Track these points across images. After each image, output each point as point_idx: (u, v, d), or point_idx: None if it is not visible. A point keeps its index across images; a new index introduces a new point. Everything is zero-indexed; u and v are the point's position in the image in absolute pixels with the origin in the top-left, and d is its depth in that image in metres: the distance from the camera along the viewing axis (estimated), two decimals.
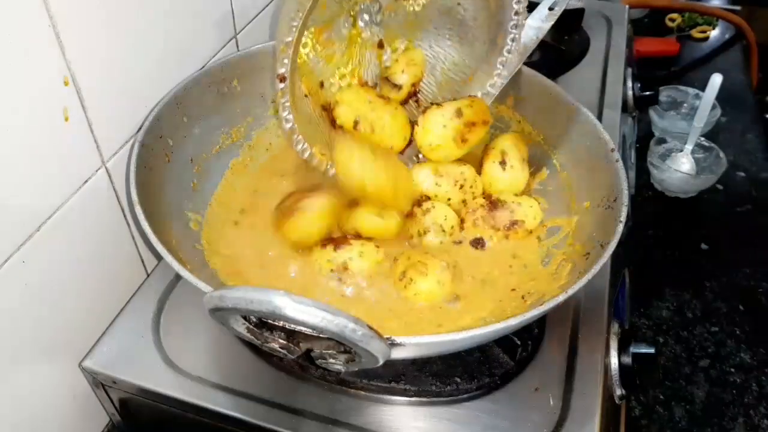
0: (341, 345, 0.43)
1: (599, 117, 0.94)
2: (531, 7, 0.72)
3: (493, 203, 0.69)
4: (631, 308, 0.81)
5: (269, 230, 0.68)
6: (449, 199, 0.70)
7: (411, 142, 0.72)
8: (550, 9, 0.73)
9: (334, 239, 0.65)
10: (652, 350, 0.63)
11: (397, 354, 0.47)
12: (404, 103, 0.75)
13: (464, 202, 0.71)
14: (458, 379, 0.60)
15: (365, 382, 0.59)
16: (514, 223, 0.68)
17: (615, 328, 0.65)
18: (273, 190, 0.73)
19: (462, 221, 0.69)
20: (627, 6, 1.26)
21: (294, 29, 0.57)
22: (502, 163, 0.71)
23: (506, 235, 0.68)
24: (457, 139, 0.68)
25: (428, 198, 0.70)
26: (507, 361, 0.61)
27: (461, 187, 0.70)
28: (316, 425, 0.57)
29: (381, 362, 0.44)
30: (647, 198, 1.12)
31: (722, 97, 1.08)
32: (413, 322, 0.60)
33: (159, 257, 0.73)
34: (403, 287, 0.62)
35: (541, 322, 0.65)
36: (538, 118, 0.76)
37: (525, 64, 0.76)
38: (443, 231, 0.68)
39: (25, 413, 0.58)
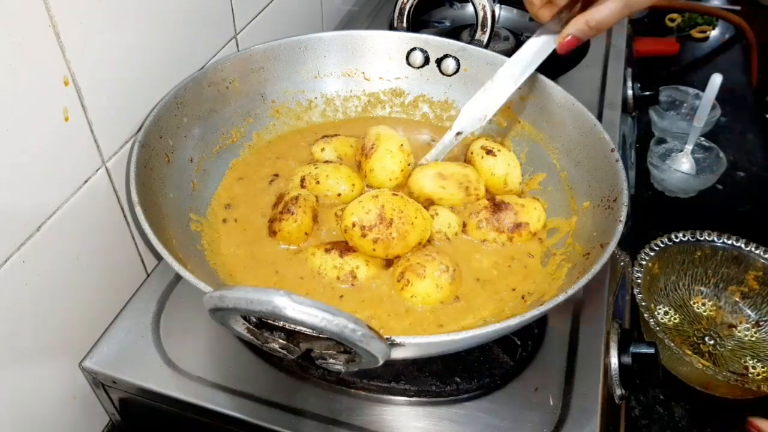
0: (341, 345, 0.43)
1: (599, 117, 0.94)
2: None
3: (497, 205, 0.69)
4: (631, 308, 0.81)
5: (267, 231, 0.68)
6: (451, 207, 0.70)
7: None
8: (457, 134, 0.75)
9: (337, 244, 0.65)
10: (652, 350, 0.63)
11: (397, 354, 0.47)
12: None
13: (465, 205, 0.71)
14: (458, 379, 0.60)
15: (365, 382, 0.59)
16: (518, 225, 0.68)
17: (615, 328, 0.65)
18: (271, 190, 0.73)
19: (464, 225, 0.69)
20: None
21: None
22: (489, 152, 0.73)
23: (510, 237, 0.68)
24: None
25: (432, 202, 0.70)
26: (507, 361, 0.61)
27: (466, 188, 0.70)
28: (316, 425, 0.57)
29: (381, 362, 0.43)
30: (647, 198, 1.11)
31: (722, 97, 1.08)
32: (415, 322, 0.60)
33: (159, 257, 0.73)
34: (401, 289, 0.62)
35: (541, 322, 0.65)
36: (538, 119, 0.76)
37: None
38: (447, 238, 0.68)
39: (25, 413, 0.58)
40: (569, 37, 0.65)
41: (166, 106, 0.65)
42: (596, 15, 0.61)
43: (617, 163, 0.63)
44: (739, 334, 0.85)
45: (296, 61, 0.80)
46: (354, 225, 0.63)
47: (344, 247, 0.64)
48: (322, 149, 0.77)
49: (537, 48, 0.71)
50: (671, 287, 0.90)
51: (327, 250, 0.64)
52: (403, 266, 0.62)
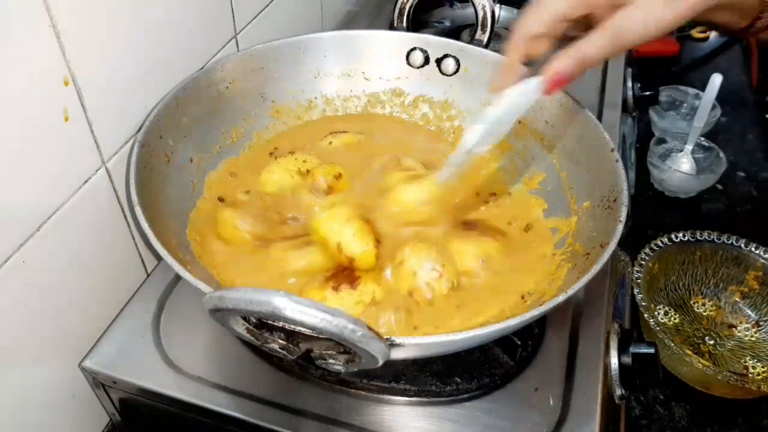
0: (341, 345, 0.43)
1: (599, 117, 0.94)
2: None
3: (468, 224, 0.69)
4: (631, 308, 0.81)
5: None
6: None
7: None
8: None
9: (334, 276, 0.60)
10: (652, 350, 0.63)
11: (397, 354, 0.47)
12: None
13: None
14: (458, 379, 0.60)
15: (365, 382, 0.59)
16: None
17: (615, 328, 0.65)
18: None
19: None
20: None
21: None
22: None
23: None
24: None
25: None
26: (507, 361, 0.61)
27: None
28: (316, 425, 0.57)
29: (381, 363, 0.43)
30: (647, 198, 1.12)
31: (722, 97, 1.08)
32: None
33: (159, 257, 0.73)
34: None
35: (541, 322, 0.65)
36: (538, 119, 0.76)
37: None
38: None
39: (24, 413, 0.58)
40: (555, 75, 0.56)
41: (166, 106, 0.65)
42: (583, 47, 0.54)
43: (617, 163, 0.63)
44: (739, 334, 0.85)
45: (296, 61, 0.80)
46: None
47: (349, 277, 0.60)
48: (330, 143, 0.77)
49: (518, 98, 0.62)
50: (671, 287, 0.90)
51: (335, 288, 0.58)
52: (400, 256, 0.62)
